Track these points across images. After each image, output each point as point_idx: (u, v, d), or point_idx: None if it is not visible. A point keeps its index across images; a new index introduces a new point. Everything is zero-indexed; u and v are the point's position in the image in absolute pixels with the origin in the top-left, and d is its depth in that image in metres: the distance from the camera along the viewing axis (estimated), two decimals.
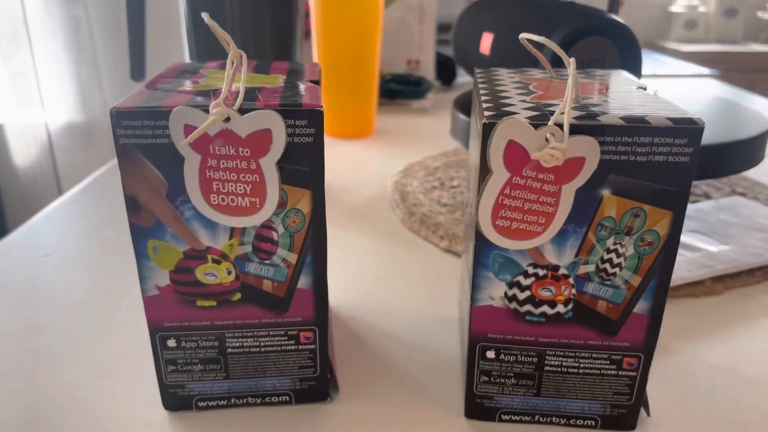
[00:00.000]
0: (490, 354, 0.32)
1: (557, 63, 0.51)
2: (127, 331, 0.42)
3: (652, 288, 0.29)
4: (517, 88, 0.32)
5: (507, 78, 0.35)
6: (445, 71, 1.16)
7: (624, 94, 0.31)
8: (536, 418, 0.33)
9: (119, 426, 0.33)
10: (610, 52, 0.52)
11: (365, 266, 0.51)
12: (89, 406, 0.35)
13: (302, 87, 0.31)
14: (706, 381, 0.37)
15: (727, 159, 0.51)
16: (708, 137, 0.53)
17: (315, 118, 0.28)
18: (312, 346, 0.33)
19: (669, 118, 0.27)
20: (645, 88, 0.33)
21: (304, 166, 0.29)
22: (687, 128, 0.26)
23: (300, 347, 0.33)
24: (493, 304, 0.31)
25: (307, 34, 1.00)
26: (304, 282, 0.31)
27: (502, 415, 0.34)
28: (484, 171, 0.28)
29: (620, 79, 0.35)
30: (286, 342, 0.33)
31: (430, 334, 0.42)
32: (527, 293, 0.30)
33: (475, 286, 0.30)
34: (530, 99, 0.30)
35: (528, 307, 0.30)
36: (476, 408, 0.34)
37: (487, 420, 0.34)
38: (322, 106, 0.28)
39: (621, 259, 0.29)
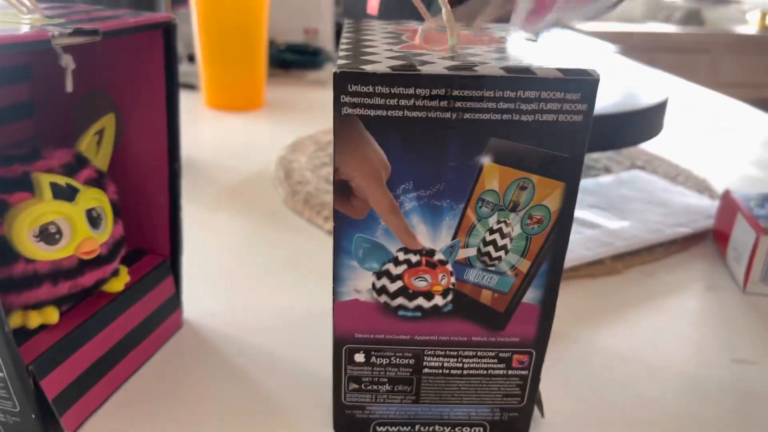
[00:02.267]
0: (359, 357, 0.27)
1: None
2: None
3: (544, 273, 0.25)
4: (387, 38, 0.27)
5: (379, 29, 0.30)
6: None
7: (512, 46, 0.26)
8: (417, 428, 0.29)
9: None
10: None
11: (236, 253, 0.44)
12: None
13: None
14: (606, 372, 0.34)
15: (626, 129, 0.48)
16: (606, 107, 0.49)
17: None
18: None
19: (559, 69, 0.22)
20: (535, 41, 0.28)
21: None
22: (580, 80, 0.21)
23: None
24: (359, 297, 0.25)
25: None
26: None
27: (377, 427, 0.28)
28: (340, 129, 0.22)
29: (511, 32, 0.30)
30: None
31: (304, 331, 0.36)
32: (399, 284, 0.25)
33: (337, 278, 0.25)
34: (398, 48, 0.25)
35: (400, 301, 0.25)
36: (346, 420, 0.28)
37: None
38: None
39: (506, 241, 0.24)
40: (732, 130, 0.79)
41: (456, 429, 0.29)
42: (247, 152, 0.64)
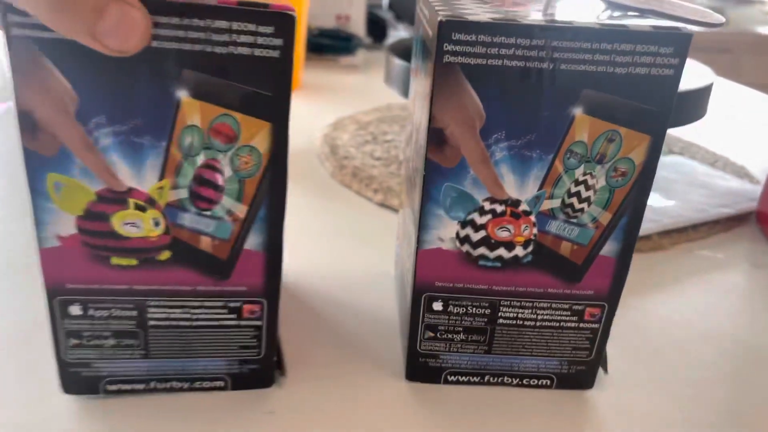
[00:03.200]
0: (437, 305, 0.28)
1: None
2: (11, 291, 0.35)
3: (623, 227, 0.26)
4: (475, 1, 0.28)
5: None
6: (377, 29, 1.10)
7: (599, 8, 0.27)
8: (486, 378, 0.30)
9: (3, 415, 0.27)
10: None
11: (293, 222, 0.46)
12: None
13: None
14: (660, 336, 0.35)
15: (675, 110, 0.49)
16: None
17: (285, 24, 0.21)
18: (258, 323, 0.27)
19: (652, 26, 0.23)
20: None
21: (264, 90, 0.22)
22: (674, 34, 0.22)
23: (242, 323, 0.27)
24: (442, 246, 0.26)
25: None
26: (253, 242, 0.25)
27: (449, 376, 0.30)
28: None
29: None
30: (225, 316, 0.27)
31: (365, 292, 0.37)
32: (482, 233, 0.26)
33: (422, 226, 0.26)
34: (489, 6, 0.26)
35: (482, 250, 0.26)
36: (419, 368, 0.29)
37: (432, 382, 0.30)
38: (294, 11, 0.22)
39: (590, 193, 0.25)
40: (766, 123, 0.79)
41: (524, 380, 0.30)
42: (291, 129, 0.65)
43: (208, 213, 0.24)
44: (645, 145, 0.24)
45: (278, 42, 0.22)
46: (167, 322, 0.26)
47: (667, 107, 0.23)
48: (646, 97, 0.23)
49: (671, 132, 0.70)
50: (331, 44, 0.93)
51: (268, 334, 0.27)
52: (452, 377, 0.30)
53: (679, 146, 0.65)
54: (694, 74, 0.55)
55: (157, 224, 0.24)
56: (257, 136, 0.23)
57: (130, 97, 0.22)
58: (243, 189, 0.24)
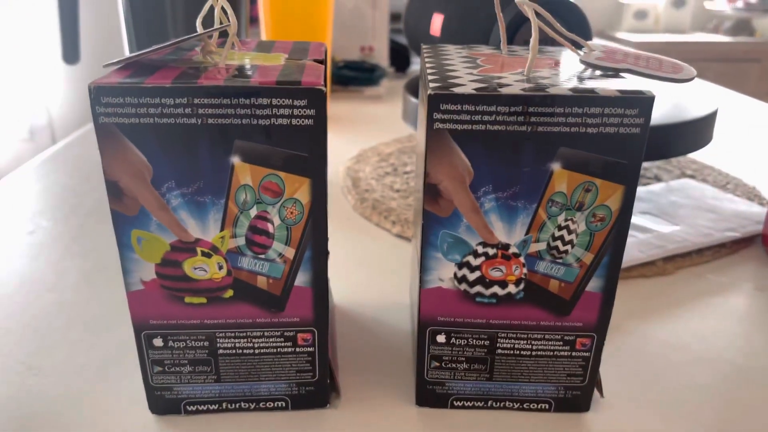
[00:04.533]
0: (441, 338, 0.31)
1: (509, 41, 0.50)
2: (109, 329, 0.39)
3: (605, 265, 0.29)
4: (465, 62, 0.31)
5: (455, 53, 0.34)
6: (399, 58, 1.14)
7: (574, 69, 0.30)
8: (489, 403, 0.32)
9: (104, 430, 0.31)
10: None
11: None
12: (73, 410, 0.32)
13: (304, 65, 0.28)
14: (658, 360, 0.37)
15: (677, 139, 0.51)
16: (657, 118, 0.53)
17: (315, 97, 0.25)
18: (310, 349, 0.31)
19: (618, 90, 0.26)
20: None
21: (302, 151, 0.26)
22: (637, 98, 0.25)
23: (297, 350, 0.31)
24: (442, 285, 0.29)
25: (253, 20, 0.97)
26: (302, 279, 0.29)
27: (455, 402, 0.32)
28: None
29: (570, 55, 0.34)
30: (282, 344, 0.31)
31: (381, 321, 0.41)
32: (477, 273, 0.29)
33: (424, 268, 0.29)
34: (477, 72, 0.29)
35: (478, 288, 0.29)
36: (428, 395, 0.32)
37: (439, 407, 0.33)
38: (324, 85, 0.26)
39: (573, 236, 0.28)
40: None
41: (525, 405, 0.32)
42: None
43: (263, 256, 0.28)
44: (619, 193, 0.27)
45: (311, 112, 0.26)
46: (234, 351, 0.31)
47: (637, 159, 0.26)
48: (617, 152, 0.26)
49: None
50: (355, 76, 0.97)
51: (320, 358, 0.31)
52: (458, 402, 0.32)
53: (692, 168, 0.67)
54: (698, 101, 0.58)
55: (220, 267, 0.29)
56: (299, 190, 0.27)
57: (193, 165, 0.26)
58: (290, 235, 0.28)
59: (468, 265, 0.29)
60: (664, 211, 0.53)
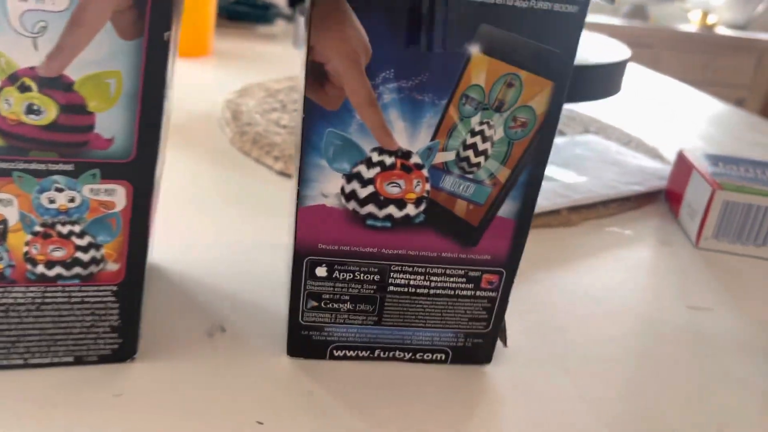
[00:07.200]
0: (321, 271, 0.25)
1: None
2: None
3: (522, 185, 0.24)
4: None
5: None
6: (299, 1, 1.06)
7: None
8: (376, 353, 0.27)
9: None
10: None
11: (184, 190, 0.42)
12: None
13: None
14: (565, 312, 0.33)
15: (587, 83, 0.48)
16: None
17: None
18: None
19: None
20: None
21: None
22: None
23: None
24: (326, 203, 0.23)
25: None
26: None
27: (335, 351, 0.27)
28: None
29: None
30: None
31: (253, 262, 0.34)
32: (370, 189, 0.23)
33: (303, 179, 0.23)
34: None
35: (370, 208, 0.24)
36: (303, 343, 0.26)
37: (316, 358, 0.27)
38: None
39: (487, 145, 0.23)
40: (678, 109, 0.81)
41: (417, 355, 0.27)
42: (192, 95, 0.60)
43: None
44: (547, 91, 0.22)
45: None
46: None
47: (572, 50, 0.21)
48: (549, 37, 0.21)
49: (587, 112, 0.70)
50: (247, 12, 0.88)
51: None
52: (339, 352, 0.27)
53: (595, 126, 0.64)
54: (610, 50, 0.55)
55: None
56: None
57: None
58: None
59: (359, 177, 0.23)
60: (569, 163, 0.50)
